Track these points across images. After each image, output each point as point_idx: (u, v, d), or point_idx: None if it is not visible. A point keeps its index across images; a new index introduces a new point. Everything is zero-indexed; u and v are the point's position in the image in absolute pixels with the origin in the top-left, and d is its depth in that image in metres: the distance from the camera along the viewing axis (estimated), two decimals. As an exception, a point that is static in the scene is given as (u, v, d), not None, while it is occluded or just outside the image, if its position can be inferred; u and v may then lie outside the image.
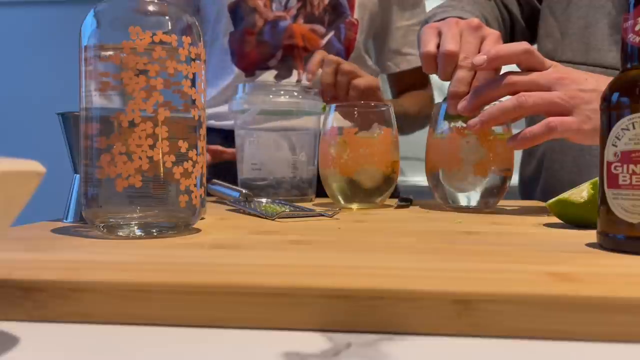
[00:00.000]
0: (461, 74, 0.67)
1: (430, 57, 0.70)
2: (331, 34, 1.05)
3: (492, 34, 0.70)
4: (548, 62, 0.65)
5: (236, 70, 1.06)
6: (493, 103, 0.66)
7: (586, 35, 0.87)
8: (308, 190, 0.85)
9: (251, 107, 0.83)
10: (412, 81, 1.16)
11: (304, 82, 0.92)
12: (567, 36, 0.89)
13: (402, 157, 0.81)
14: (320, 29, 1.04)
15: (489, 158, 0.68)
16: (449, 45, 0.68)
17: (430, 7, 0.98)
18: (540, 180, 0.95)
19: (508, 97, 0.64)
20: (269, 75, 1.05)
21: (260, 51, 1.05)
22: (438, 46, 0.69)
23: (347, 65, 0.87)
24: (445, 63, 0.68)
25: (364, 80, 0.88)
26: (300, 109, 0.85)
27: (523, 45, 0.64)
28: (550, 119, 0.61)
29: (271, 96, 0.84)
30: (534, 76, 0.63)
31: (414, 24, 1.13)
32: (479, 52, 0.68)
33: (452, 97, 0.68)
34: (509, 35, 1.02)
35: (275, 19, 1.03)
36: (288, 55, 1.04)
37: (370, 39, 1.13)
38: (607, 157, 0.41)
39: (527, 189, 1.00)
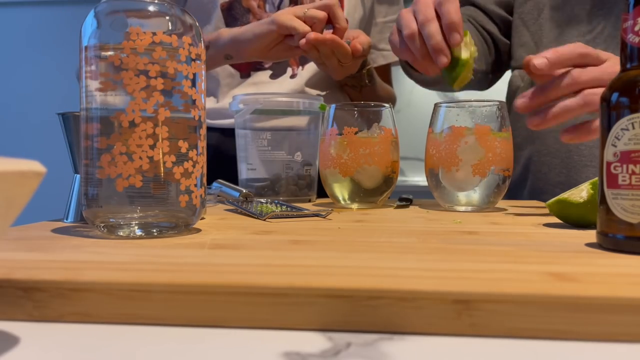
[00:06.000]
0: (429, 28, 0.68)
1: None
2: None
3: None
4: (603, 55, 0.64)
5: (231, 70, 1.06)
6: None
7: (561, 43, 0.88)
8: (306, 190, 0.85)
9: (245, 107, 0.83)
10: (385, 76, 1.17)
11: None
12: (542, 45, 0.91)
13: (402, 157, 0.81)
14: None
15: (488, 158, 0.68)
16: (406, 29, 0.70)
17: None
18: (528, 183, 0.96)
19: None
20: (263, 75, 1.05)
21: None
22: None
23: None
24: (410, 44, 0.70)
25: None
26: (296, 108, 0.85)
27: (579, 47, 0.63)
28: (588, 91, 0.61)
29: (266, 96, 0.83)
30: (596, 73, 0.63)
31: (390, 21, 1.15)
32: (434, 7, 0.69)
33: (436, 49, 0.68)
34: (495, 53, 1.04)
35: None
36: None
37: None
38: (606, 157, 0.41)
39: (512, 192, 1.01)
